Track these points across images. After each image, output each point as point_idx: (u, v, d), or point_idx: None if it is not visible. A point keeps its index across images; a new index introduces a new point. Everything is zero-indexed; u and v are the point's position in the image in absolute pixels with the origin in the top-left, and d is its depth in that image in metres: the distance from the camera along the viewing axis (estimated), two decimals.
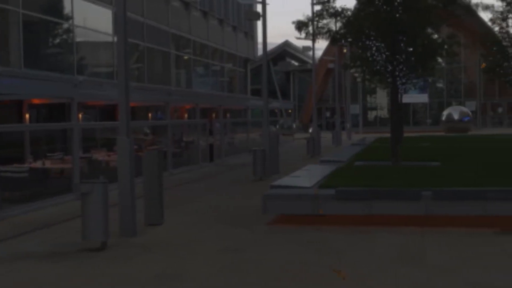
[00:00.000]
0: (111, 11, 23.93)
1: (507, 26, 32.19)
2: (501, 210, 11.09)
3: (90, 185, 9.75)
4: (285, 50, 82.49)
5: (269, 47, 48.70)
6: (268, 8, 26.05)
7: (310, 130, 40.40)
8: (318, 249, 9.58)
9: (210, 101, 29.93)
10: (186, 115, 29.46)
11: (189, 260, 9.08)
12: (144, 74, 28.40)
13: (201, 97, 29.27)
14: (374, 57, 18.65)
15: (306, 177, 14.37)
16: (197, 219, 12.73)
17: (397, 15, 16.98)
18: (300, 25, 19.34)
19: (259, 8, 23.91)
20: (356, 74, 33.32)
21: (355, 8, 19.24)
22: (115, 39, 14.41)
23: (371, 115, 74.93)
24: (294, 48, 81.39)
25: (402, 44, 17.77)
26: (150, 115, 26.39)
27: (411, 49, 18.35)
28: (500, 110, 69.77)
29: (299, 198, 11.89)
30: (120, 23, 10.95)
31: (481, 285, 7.55)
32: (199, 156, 25.18)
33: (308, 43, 37.17)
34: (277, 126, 44.11)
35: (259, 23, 30.20)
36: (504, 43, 32.69)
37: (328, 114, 73.44)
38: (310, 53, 42.24)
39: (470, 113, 54.67)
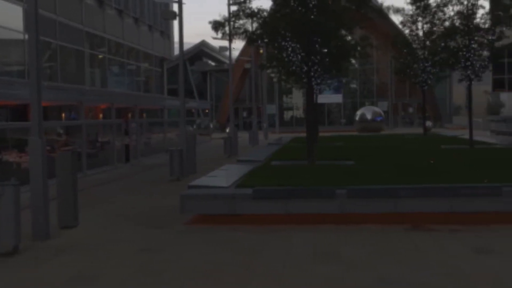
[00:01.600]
0: (22, 7, 23.20)
1: (417, 29, 33.35)
2: (411, 207, 11.47)
3: (1, 188, 9.44)
4: (201, 50, 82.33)
5: (186, 46, 48.56)
6: (184, 7, 25.98)
7: (227, 130, 40.49)
8: (235, 249, 9.62)
9: (125, 101, 29.51)
10: (101, 115, 28.91)
11: (104, 262, 8.93)
12: (57, 73, 27.69)
13: (117, 96, 28.82)
14: (290, 57, 18.88)
15: (223, 177, 14.41)
16: (113, 220, 12.54)
17: (312, 17, 17.26)
18: (216, 25, 19.36)
19: (175, 7, 23.76)
20: (273, 75, 33.66)
21: (271, 9, 19.42)
22: (26, 36, 13.99)
23: (287, 115, 75.83)
24: (211, 48, 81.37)
25: (317, 45, 18.08)
26: (63, 115, 25.76)
27: (326, 50, 18.71)
28: (410, 110, 72.09)
29: (216, 198, 11.91)
30: (32, 20, 10.64)
31: (394, 279, 7.78)
32: (115, 156, 24.78)
33: (225, 43, 37.24)
34: (194, 126, 43.96)
35: (176, 23, 30.07)
36: (414, 46, 33.83)
37: (245, 114, 73.80)
38: (227, 53, 42.31)
39: (382, 113, 56.15)
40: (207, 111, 54.80)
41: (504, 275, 7.88)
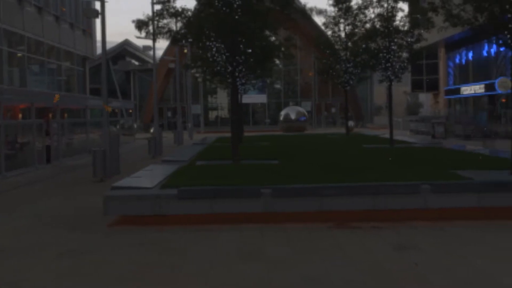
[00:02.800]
0: None
1: (339, 30, 33.91)
2: (335, 205, 11.69)
3: None
4: (125, 49, 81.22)
5: (109, 45, 47.67)
6: (107, 5, 25.58)
7: (152, 130, 40.10)
8: (161, 250, 9.55)
9: (46, 101, 28.76)
10: (20, 115, 28.08)
11: (26, 267, 8.68)
12: None
13: (37, 96, 28.04)
14: (215, 58, 18.90)
15: (147, 177, 14.27)
16: (34, 223, 12.21)
17: (237, 17, 17.32)
18: (140, 24, 19.14)
19: (97, 5, 23.37)
20: (197, 75, 33.54)
21: (195, 8, 19.37)
22: None
23: (212, 115, 75.79)
24: (135, 47, 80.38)
25: (241, 46, 18.16)
26: None
27: (250, 50, 18.81)
28: (333, 110, 73.36)
29: (140, 199, 11.78)
30: None
31: (318, 277, 7.90)
32: (35, 157, 24.12)
33: (149, 42, 36.94)
34: (118, 126, 43.29)
35: (98, 21, 29.53)
36: (337, 47, 34.40)
37: (169, 114, 73.29)
38: (151, 52, 41.89)
39: (306, 113, 56.91)
40: (130, 111, 54.00)
41: (424, 270, 8.13)
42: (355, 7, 30.83)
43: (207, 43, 18.68)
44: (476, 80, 46.36)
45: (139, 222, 11.63)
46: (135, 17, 23.55)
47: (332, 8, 33.57)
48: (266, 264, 8.58)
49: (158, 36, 19.17)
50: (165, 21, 18.74)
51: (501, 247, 9.41)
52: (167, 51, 62.13)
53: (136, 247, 9.81)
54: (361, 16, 29.52)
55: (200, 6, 19.06)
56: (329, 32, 34.97)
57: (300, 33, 51.68)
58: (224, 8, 17.36)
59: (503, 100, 40.76)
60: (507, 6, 13.18)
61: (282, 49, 22.05)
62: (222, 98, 72.32)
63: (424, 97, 75.01)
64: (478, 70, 46.51)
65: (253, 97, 66.16)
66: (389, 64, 24.79)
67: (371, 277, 7.86)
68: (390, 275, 7.95)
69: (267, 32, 21.13)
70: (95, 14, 22.59)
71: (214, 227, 11.12)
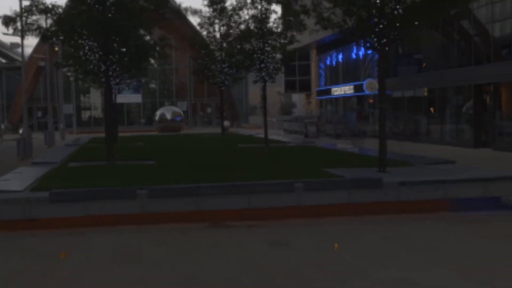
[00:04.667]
0: None
1: (214, 30, 34.13)
2: (212, 205, 11.75)
3: None
4: None
5: None
6: None
7: (21, 131, 38.48)
8: (33, 255, 9.20)
9: None
10: None
11: None
12: None
13: None
14: (87, 56, 18.45)
15: (17, 180, 13.69)
16: None
17: (110, 15, 16.99)
18: (7, 21, 18.29)
19: None
20: (69, 73, 32.61)
21: (67, 5, 18.81)
22: None
23: (85, 115, 73.74)
24: (1, 44, 76.77)
25: (115, 44, 17.83)
26: None
27: (124, 49, 18.52)
28: (209, 110, 73.62)
29: (9, 203, 11.29)
30: None
31: (195, 277, 7.91)
32: None
33: (17, 39, 35.41)
34: None
35: None
36: (212, 47, 34.60)
37: (39, 113, 70.57)
38: (19, 50, 40.22)
39: (182, 113, 56.73)
40: None
41: (298, 266, 8.36)
42: (229, 8, 31.14)
43: (79, 41, 18.19)
44: (345, 81, 48.12)
45: (9, 227, 11.12)
46: (1, 13, 22.49)
47: (207, 9, 33.75)
48: (142, 265, 8.49)
49: (27, 33, 18.41)
50: (34, 17, 18.03)
51: (368, 241, 9.84)
52: (37, 49, 59.82)
53: (7, 253, 9.41)
54: (236, 17, 29.83)
55: (72, 3, 18.52)
56: (204, 33, 35.14)
57: (175, 33, 51.44)
58: (96, 6, 16.97)
59: (371, 101, 42.60)
60: (374, 11, 13.81)
61: (157, 48, 21.83)
62: (95, 97, 70.48)
63: (297, 98, 76.92)
64: (348, 72, 48.32)
65: (127, 97, 65.12)
66: (263, 65, 25.22)
67: (247, 274, 7.98)
68: (266, 271, 8.11)
69: (142, 31, 20.87)
70: None
71: (89, 230, 10.85)
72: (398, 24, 13.92)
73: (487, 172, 13.90)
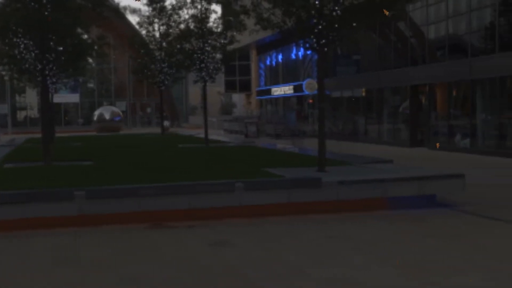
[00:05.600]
0: None
1: (154, 30, 33.86)
2: (153, 205, 11.63)
3: None
4: None
5: None
6: None
7: None
8: None
9: None
10: None
11: None
12: None
13: None
14: (23, 55, 18.02)
15: None
16: None
17: (46, 13, 16.63)
18: None
19: None
20: (4, 72, 31.75)
21: (0, 3, 18.32)
22: None
23: (21, 115, 71.98)
24: None
25: (52, 43, 17.46)
26: None
27: (61, 48, 18.17)
28: (149, 110, 72.98)
29: None
30: None
31: (136, 278, 7.83)
32: None
33: None
34: None
35: None
36: (151, 46, 34.31)
37: None
38: None
39: (121, 113, 56.05)
40: None
41: (239, 266, 8.37)
42: (169, 7, 30.92)
43: (14, 40, 17.75)
44: (285, 82, 48.51)
45: None
46: None
47: (146, 8, 33.44)
48: (81, 268, 8.36)
49: None
50: None
51: (309, 240, 9.94)
52: None
53: None
54: (176, 16, 29.63)
55: (6, 1, 18.04)
56: (144, 32, 34.82)
57: (114, 32, 50.74)
58: (32, 3, 16.58)
59: (310, 101, 43.05)
60: (313, 12, 13.94)
61: (95, 47, 21.49)
62: (31, 97, 68.84)
63: (238, 98, 77.11)
64: (287, 72, 48.72)
65: (65, 97, 63.81)
66: (203, 65, 25.15)
67: (188, 274, 7.95)
68: (207, 271, 8.09)
69: (80, 30, 20.51)
70: None
71: (26, 233, 10.59)
72: (336, 25, 14.09)
73: (423, 171, 14.23)
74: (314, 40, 14.20)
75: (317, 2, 13.89)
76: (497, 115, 24.54)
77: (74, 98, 68.17)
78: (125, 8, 27.81)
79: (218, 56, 26.08)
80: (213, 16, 25.28)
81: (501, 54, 23.87)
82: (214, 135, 35.20)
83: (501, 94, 24.55)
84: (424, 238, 9.95)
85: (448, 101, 28.21)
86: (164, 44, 32.96)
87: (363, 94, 36.21)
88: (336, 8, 13.94)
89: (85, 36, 22.11)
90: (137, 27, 36.48)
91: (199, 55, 25.04)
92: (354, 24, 14.66)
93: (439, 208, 12.58)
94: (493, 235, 10.22)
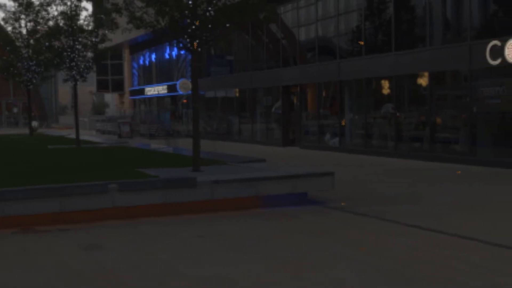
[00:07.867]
0: None
1: (20, 26, 32.49)
2: (20, 209, 11.15)
3: None
4: None
5: None
6: None
7: None
8: None
9: None
10: None
11: None
12: None
13: None
14: None
15: None
16: None
17: None
18: None
19: None
20: None
21: None
22: None
23: None
24: None
25: None
26: None
27: None
28: (15, 110, 70.00)
29: None
30: None
31: (2, 285, 7.50)
32: None
33: None
34: None
35: None
36: (18, 44, 32.93)
37: None
38: None
39: None
40: None
41: (114, 269, 8.22)
42: (37, 3, 29.79)
43: None
44: (159, 81, 48.17)
45: None
46: None
47: (12, 3, 32.05)
48: None
49: None
50: None
51: (184, 240, 9.93)
52: None
53: None
54: (44, 13, 28.63)
55: None
56: (9, 28, 33.35)
57: None
58: None
59: (184, 101, 43.03)
60: (186, 12, 13.93)
61: None
62: None
63: (110, 97, 75.67)
64: (161, 72, 48.40)
65: None
66: (74, 64, 24.48)
67: (59, 280, 7.69)
68: (79, 275, 7.88)
69: None
70: None
71: None
72: (210, 26, 14.17)
73: (295, 169, 14.63)
74: (188, 40, 14.20)
75: (190, 2, 13.90)
76: (364, 114, 25.66)
77: None
78: None
79: (90, 54, 25.51)
80: (83, 14, 24.69)
81: (367, 56, 24.99)
82: (86, 135, 34.36)
83: (367, 94, 25.69)
84: (295, 234, 10.22)
85: (318, 102, 29.14)
86: (31, 41, 31.73)
87: (237, 94, 36.65)
88: (210, 8, 14.02)
89: None
90: (2, 23, 34.88)
91: (69, 54, 24.37)
92: (228, 25, 14.82)
93: (311, 205, 12.97)
94: (361, 229, 10.67)
